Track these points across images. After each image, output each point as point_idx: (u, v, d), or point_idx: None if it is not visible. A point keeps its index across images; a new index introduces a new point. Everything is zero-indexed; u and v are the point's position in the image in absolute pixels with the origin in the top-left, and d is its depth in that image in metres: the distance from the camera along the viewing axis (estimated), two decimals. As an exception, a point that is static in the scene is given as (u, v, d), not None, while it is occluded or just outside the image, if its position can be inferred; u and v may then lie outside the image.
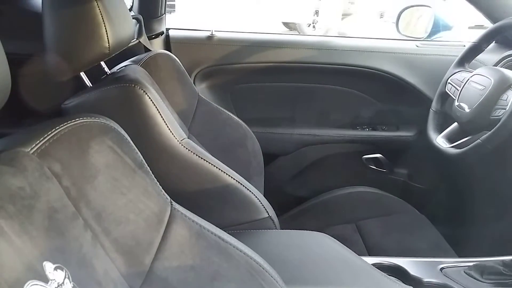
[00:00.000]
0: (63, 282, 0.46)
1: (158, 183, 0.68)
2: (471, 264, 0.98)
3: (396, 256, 1.04)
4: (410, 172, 1.71)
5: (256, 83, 1.67)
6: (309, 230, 1.02)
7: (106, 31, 0.89)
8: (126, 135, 0.66)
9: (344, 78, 1.65)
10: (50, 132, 0.57)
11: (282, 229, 1.05)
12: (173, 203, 0.69)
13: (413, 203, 1.49)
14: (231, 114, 1.42)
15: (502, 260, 0.95)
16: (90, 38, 0.88)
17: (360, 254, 1.26)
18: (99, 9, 0.87)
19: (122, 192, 0.61)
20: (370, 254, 1.28)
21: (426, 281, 0.94)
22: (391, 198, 1.51)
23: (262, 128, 1.63)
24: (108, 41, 0.90)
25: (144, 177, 0.65)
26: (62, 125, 0.59)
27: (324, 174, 1.73)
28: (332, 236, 1.36)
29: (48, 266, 0.46)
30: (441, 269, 0.98)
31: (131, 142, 0.66)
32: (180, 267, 0.64)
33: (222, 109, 1.42)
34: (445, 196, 1.60)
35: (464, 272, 0.97)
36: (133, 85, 0.91)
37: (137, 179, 0.64)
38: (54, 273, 0.46)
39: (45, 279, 0.44)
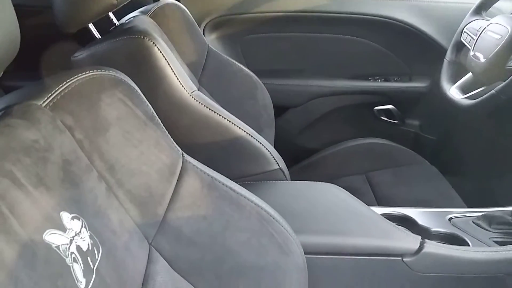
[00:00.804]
0: (80, 231, 0.48)
1: (169, 135, 0.69)
2: (479, 214, 0.99)
3: (405, 206, 1.05)
4: (421, 124, 1.69)
5: (267, 33, 1.63)
6: (319, 181, 1.03)
7: None
8: (137, 88, 0.66)
9: (356, 28, 1.61)
10: (61, 85, 0.57)
11: (293, 180, 1.07)
12: (185, 155, 0.70)
13: (424, 155, 1.49)
14: (242, 66, 1.40)
15: (511, 210, 0.96)
16: None
17: (369, 204, 1.28)
18: None
19: (134, 144, 0.61)
20: (380, 204, 1.30)
21: (434, 231, 0.95)
22: (402, 149, 1.51)
23: (272, 80, 1.61)
24: None
25: (155, 130, 0.65)
26: (72, 78, 0.59)
27: (334, 126, 1.73)
28: (342, 187, 1.38)
29: (65, 216, 0.47)
30: (450, 219, 0.99)
31: (142, 94, 0.66)
32: (193, 218, 0.66)
33: (233, 60, 1.40)
34: (457, 147, 1.59)
35: (473, 222, 0.98)
36: (142, 37, 0.90)
37: (149, 131, 0.64)
38: (71, 222, 0.48)
39: (63, 228, 0.46)
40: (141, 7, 1.22)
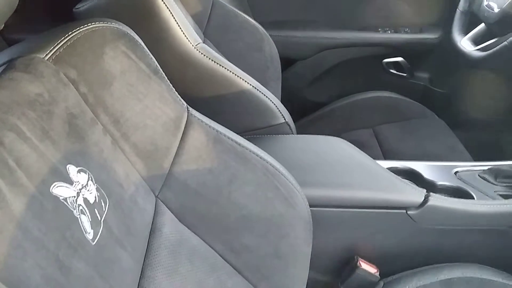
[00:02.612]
0: (87, 184, 0.49)
1: (174, 89, 0.68)
2: (485, 168, 0.99)
3: (412, 160, 1.05)
4: (431, 77, 1.66)
5: None
6: (326, 135, 1.03)
7: None
8: (140, 40, 0.65)
9: None
10: (63, 38, 0.56)
11: (299, 134, 1.06)
12: (190, 108, 0.70)
13: (433, 108, 1.48)
14: (248, 17, 1.37)
15: (518, 164, 0.96)
16: None
17: (376, 158, 1.28)
18: None
19: (138, 98, 0.61)
20: (386, 158, 1.30)
21: (440, 184, 0.96)
22: (410, 102, 1.49)
23: (279, 32, 1.58)
24: None
25: (159, 83, 0.65)
26: (74, 30, 0.58)
27: (343, 79, 1.70)
28: (349, 141, 1.38)
29: (72, 169, 0.48)
30: (456, 172, 0.99)
31: (145, 47, 0.65)
32: (199, 171, 0.66)
33: (239, 11, 1.37)
34: (466, 101, 1.57)
35: (479, 175, 0.98)
36: None
37: (153, 84, 0.64)
38: (78, 175, 0.48)
39: (70, 181, 0.46)
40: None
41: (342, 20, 1.62)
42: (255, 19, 1.40)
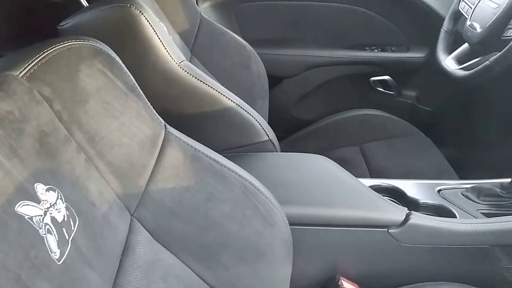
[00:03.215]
0: (55, 202, 0.48)
1: (151, 106, 0.68)
2: (468, 186, 0.99)
3: (397, 178, 1.05)
4: (418, 95, 1.68)
5: (262, 1, 1.60)
6: (313, 153, 1.03)
7: None
8: (117, 58, 0.65)
9: None
10: (38, 56, 0.56)
11: (286, 151, 1.06)
12: (168, 126, 0.70)
13: (420, 126, 1.49)
14: (235, 35, 1.38)
15: (500, 183, 0.96)
16: None
17: (362, 176, 1.28)
18: None
19: (114, 115, 0.61)
20: (372, 176, 1.30)
21: (423, 202, 0.96)
22: (397, 120, 1.50)
23: (267, 50, 1.59)
24: None
25: (136, 101, 0.65)
26: (50, 48, 0.58)
27: (330, 96, 1.71)
28: (335, 159, 1.37)
29: (40, 188, 0.47)
30: (439, 191, 0.99)
31: (123, 65, 0.65)
32: (175, 189, 0.66)
33: (226, 29, 1.38)
34: (452, 119, 1.58)
35: (462, 194, 0.98)
36: (128, 5, 0.89)
37: (130, 102, 0.63)
38: (46, 194, 0.48)
39: (37, 200, 0.46)
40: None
41: (329, 39, 1.63)
42: (243, 38, 1.41)
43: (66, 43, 0.59)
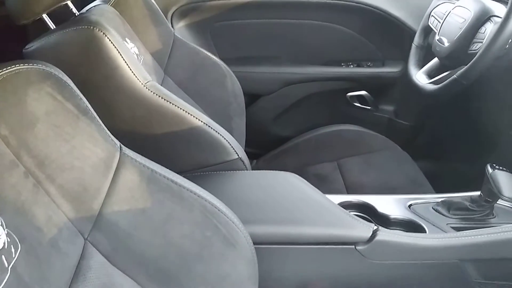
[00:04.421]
0: None
1: (105, 128, 0.67)
2: (439, 200, 0.99)
3: (373, 193, 1.05)
4: (395, 109, 1.69)
5: (236, 20, 1.61)
6: (292, 169, 1.03)
7: None
8: (69, 81, 0.64)
9: (327, 13, 1.59)
10: None
11: (264, 168, 1.06)
12: (123, 148, 0.69)
13: (397, 140, 1.49)
14: (209, 54, 1.39)
15: (470, 196, 0.96)
16: None
17: (338, 192, 1.28)
18: None
19: (65, 139, 0.60)
20: (349, 191, 1.30)
21: (393, 218, 0.95)
22: (374, 135, 1.50)
23: (243, 68, 1.60)
24: None
25: (89, 123, 0.64)
26: None
27: (307, 113, 1.72)
28: (313, 175, 1.38)
29: (-22, 214, 0.46)
30: (410, 205, 0.99)
31: (74, 87, 0.65)
32: (131, 211, 0.65)
33: (200, 48, 1.38)
34: (428, 132, 1.59)
35: (432, 208, 0.98)
36: (92, 27, 0.89)
37: (81, 125, 0.63)
38: None
39: (-26, 228, 0.45)
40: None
41: (305, 55, 1.64)
42: (219, 56, 1.42)
43: (14, 67, 0.59)
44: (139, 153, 0.72)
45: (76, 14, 1.05)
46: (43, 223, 0.54)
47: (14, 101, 0.57)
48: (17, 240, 0.49)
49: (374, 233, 0.82)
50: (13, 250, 0.48)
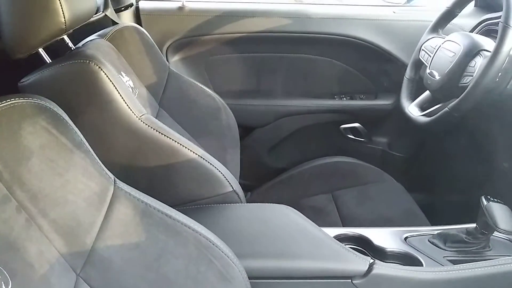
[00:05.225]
0: None
1: (100, 162, 0.67)
2: (435, 232, 0.98)
3: (368, 225, 1.04)
4: (389, 141, 1.70)
5: (231, 54, 1.64)
6: (286, 201, 1.02)
7: (61, 5, 0.86)
8: (64, 115, 0.65)
9: (320, 47, 1.62)
10: None
11: (258, 200, 1.05)
12: (117, 181, 0.69)
13: (391, 172, 1.49)
14: (204, 87, 1.40)
15: (466, 228, 0.95)
16: (44, 14, 0.85)
17: (334, 224, 1.27)
18: None
19: (58, 173, 0.60)
20: (344, 224, 1.29)
21: (389, 250, 0.95)
22: (368, 167, 1.50)
23: (238, 100, 1.61)
24: (64, 16, 0.87)
25: (83, 157, 0.64)
26: None
27: (301, 145, 1.72)
28: (308, 207, 1.37)
29: (-32, 251, 0.45)
30: (406, 238, 0.98)
31: (69, 121, 0.65)
32: (124, 246, 0.64)
33: (194, 81, 1.40)
34: (421, 164, 1.60)
35: (428, 240, 0.97)
36: (87, 61, 0.90)
37: (76, 159, 0.63)
38: None
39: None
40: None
41: (299, 89, 1.67)
42: (214, 89, 1.43)
43: (9, 101, 0.59)
44: (133, 186, 0.71)
45: (72, 48, 1.06)
46: (35, 259, 0.53)
47: (8, 135, 0.56)
48: (8, 276, 0.48)
49: (371, 266, 0.81)
50: (3, 286, 0.47)
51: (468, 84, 1.04)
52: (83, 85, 0.90)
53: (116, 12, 1.46)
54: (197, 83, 1.40)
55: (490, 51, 1.02)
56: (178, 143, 0.96)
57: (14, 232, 0.52)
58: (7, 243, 0.51)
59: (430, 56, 1.24)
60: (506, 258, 0.82)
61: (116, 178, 0.69)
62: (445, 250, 0.94)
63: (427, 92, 1.26)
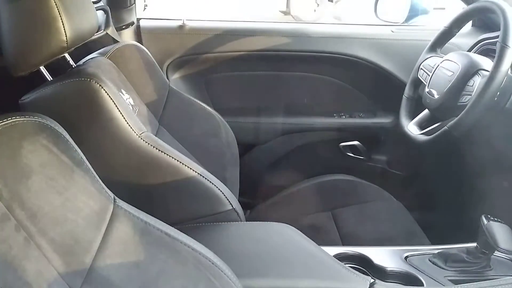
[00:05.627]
0: None
1: (100, 180, 0.67)
2: (435, 252, 0.98)
3: (368, 244, 1.04)
4: (388, 159, 1.70)
5: (231, 72, 1.65)
6: (285, 219, 1.02)
7: (63, 24, 0.87)
8: (64, 133, 0.65)
9: (319, 66, 1.63)
10: None
11: (258, 218, 1.04)
12: (117, 199, 0.68)
13: (391, 190, 1.49)
14: (204, 105, 1.41)
15: (467, 248, 0.95)
16: (46, 32, 0.86)
17: (333, 243, 1.26)
18: (55, 2, 0.85)
19: (58, 191, 0.60)
20: (344, 242, 1.28)
21: (389, 270, 0.94)
22: (368, 185, 1.50)
23: (238, 118, 1.62)
24: (65, 34, 0.88)
25: (83, 175, 0.64)
26: None
27: (301, 162, 1.72)
28: (307, 225, 1.36)
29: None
30: (406, 257, 0.98)
31: (70, 140, 0.65)
32: (123, 265, 0.63)
33: (194, 99, 1.40)
34: (421, 183, 1.59)
35: (429, 260, 0.97)
36: (88, 79, 0.90)
37: (76, 177, 0.63)
38: None
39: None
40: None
41: (298, 107, 1.67)
42: (214, 106, 1.44)
43: (10, 119, 0.59)
44: (132, 204, 0.71)
45: (73, 66, 1.06)
46: (33, 278, 0.53)
47: (9, 153, 0.57)
48: None
49: (371, 286, 0.81)
50: (0, 307, 0.47)
51: (467, 103, 1.05)
52: (84, 103, 0.90)
53: (117, 31, 1.47)
54: (197, 100, 1.40)
55: (488, 71, 1.03)
56: (177, 161, 0.96)
57: (12, 251, 0.52)
58: (5, 262, 0.50)
59: (429, 75, 1.25)
60: (507, 278, 0.82)
61: (115, 197, 0.68)
62: (446, 269, 0.93)
63: (426, 111, 1.27)
